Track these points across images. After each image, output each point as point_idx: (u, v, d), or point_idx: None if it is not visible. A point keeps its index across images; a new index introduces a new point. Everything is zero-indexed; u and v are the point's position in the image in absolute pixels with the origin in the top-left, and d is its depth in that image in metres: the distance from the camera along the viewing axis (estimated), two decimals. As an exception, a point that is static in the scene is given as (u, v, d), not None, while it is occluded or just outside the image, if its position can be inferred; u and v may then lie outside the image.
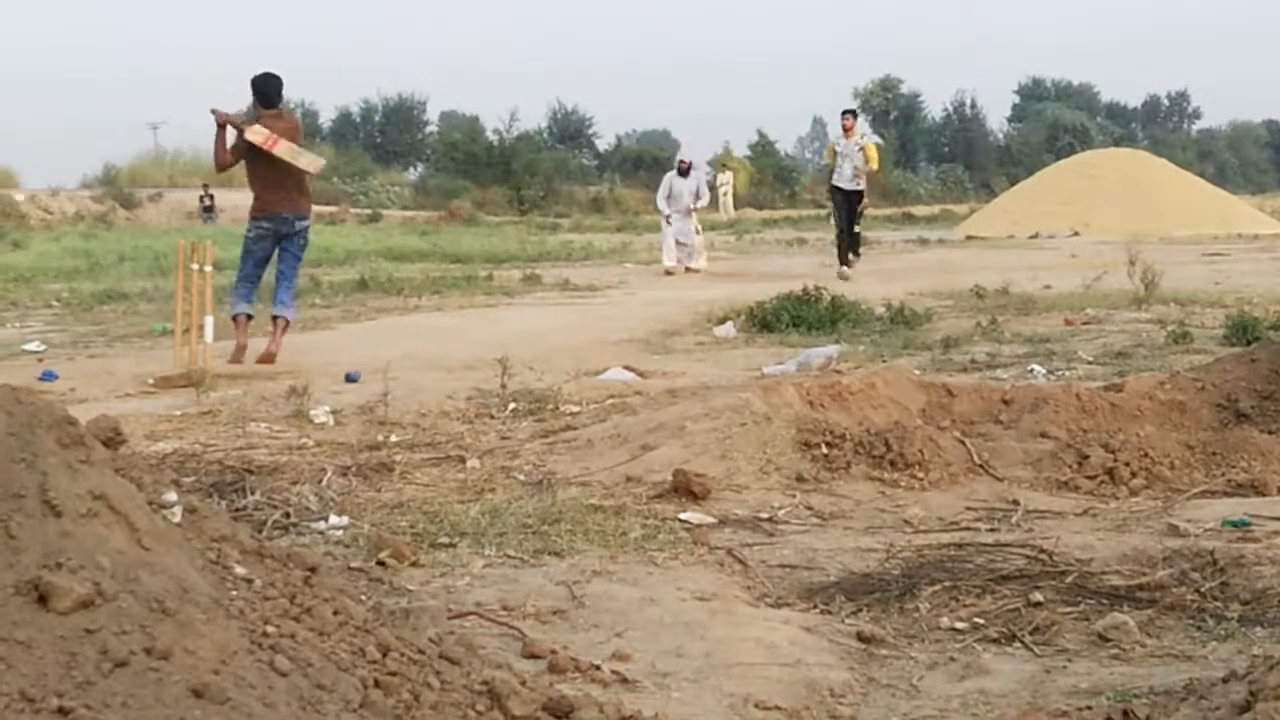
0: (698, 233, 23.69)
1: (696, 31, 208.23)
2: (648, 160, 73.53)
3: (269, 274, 11.54)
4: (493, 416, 8.40)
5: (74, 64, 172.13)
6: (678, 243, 22.94)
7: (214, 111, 11.14)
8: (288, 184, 11.18)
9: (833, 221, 22.61)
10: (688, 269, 22.82)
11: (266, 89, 11.41)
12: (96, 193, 53.07)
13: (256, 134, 10.83)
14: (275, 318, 11.17)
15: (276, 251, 11.29)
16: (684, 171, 23.31)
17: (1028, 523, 5.85)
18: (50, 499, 2.71)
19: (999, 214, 40.76)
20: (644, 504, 6.11)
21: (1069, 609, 4.54)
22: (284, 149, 10.86)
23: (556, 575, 5.02)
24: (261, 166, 11.10)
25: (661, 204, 23.49)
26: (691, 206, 23.04)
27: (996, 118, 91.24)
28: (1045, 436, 7.04)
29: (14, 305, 17.62)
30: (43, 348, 12.45)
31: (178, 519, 3.17)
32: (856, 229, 21.40)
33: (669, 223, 23.20)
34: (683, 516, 5.90)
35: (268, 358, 10.84)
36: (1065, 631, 4.35)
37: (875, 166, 21.93)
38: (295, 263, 11.43)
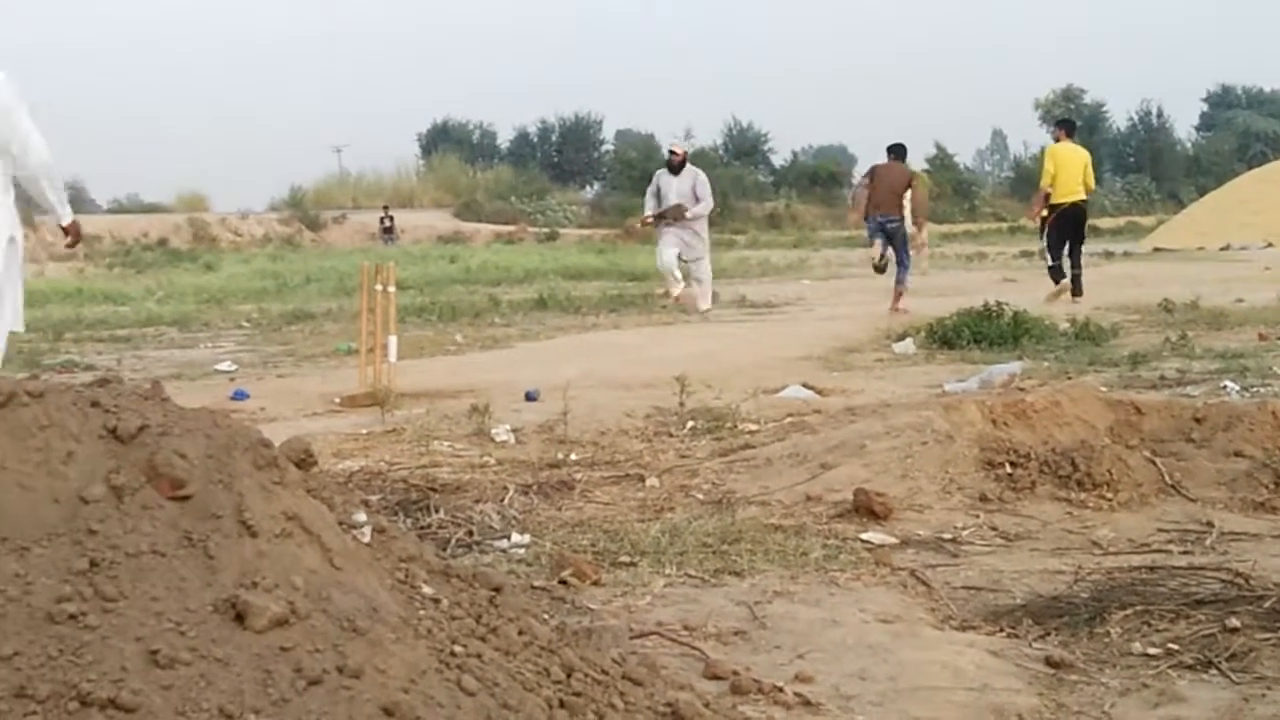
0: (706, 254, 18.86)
1: (872, 44, 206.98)
2: (824, 176, 73.31)
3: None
4: (671, 435, 8.40)
5: (261, 91, 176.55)
6: (680, 258, 18.47)
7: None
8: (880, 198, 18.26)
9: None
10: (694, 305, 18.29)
11: (894, 149, 19.03)
12: (283, 215, 54.44)
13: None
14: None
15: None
16: (675, 167, 18.56)
17: (1222, 545, 5.67)
18: (246, 519, 2.77)
19: (1187, 225, 39.85)
20: (824, 523, 6.07)
21: (1268, 635, 4.39)
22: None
23: (737, 595, 5.01)
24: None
25: (649, 204, 18.86)
26: (688, 211, 18.27)
27: (1184, 127, 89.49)
28: (1240, 455, 6.83)
29: (207, 326, 18.13)
30: (234, 368, 12.78)
31: (367, 539, 3.22)
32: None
33: (660, 231, 18.60)
34: (864, 536, 5.84)
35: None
36: (1264, 659, 4.20)
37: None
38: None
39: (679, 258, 18.44)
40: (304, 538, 2.88)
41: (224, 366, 12.89)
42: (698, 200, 18.36)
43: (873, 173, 18.80)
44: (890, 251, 18.47)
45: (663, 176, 18.63)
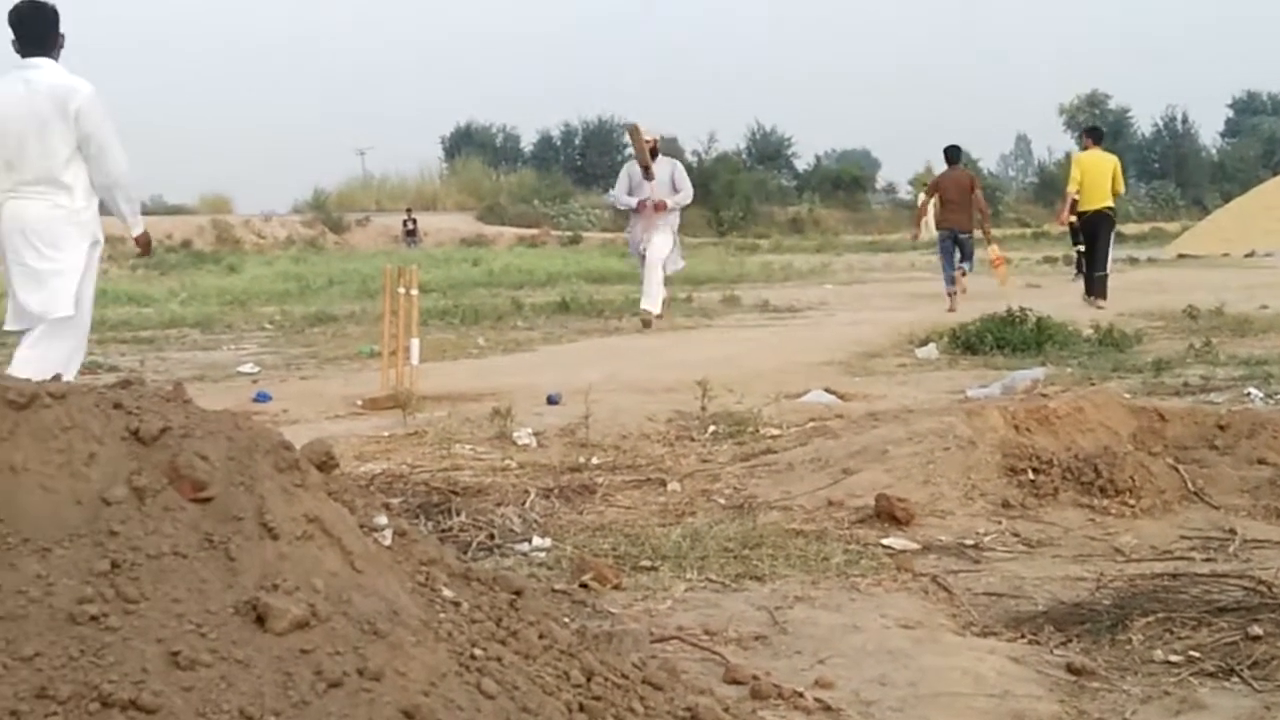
0: (675, 257, 17.28)
1: (896, 49, 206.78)
2: (847, 180, 73.28)
3: None
4: (693, 439, 8.40)
5: (284, 93, 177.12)
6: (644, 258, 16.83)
7: None
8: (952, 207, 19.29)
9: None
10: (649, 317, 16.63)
11: (951, 153, 19.78)
12: (307, 217, 54.51)
13: None
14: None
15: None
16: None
17: (1245, 553, 5.65)
18: (267, 522, 2.78)
19: (1212, 232, 39.65)
20: (846, 529, 6.06)
21: (1290, 643, 4.38)
22: None
23: (758, 600, 5.00)
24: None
25: (623, 198, 17.35)
26: (670, 201, 16.80)
27: (1209, 133, 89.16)
28: (1263, 463, 6.80)
29: (230, 328, 18.16)
30: (257, 369, 12.81)
31: (388, 542, 3.22)
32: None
33: (632, 224, 17.44)
34: (885, 542, 5.83)
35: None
36: (1286, 666, 4.20)
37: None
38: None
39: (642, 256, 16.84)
40: (325, 540, 2.89)
41: (246, 368, 12.92)
42: (676, 190, 16.93)
43: (938, 184, 19.88)
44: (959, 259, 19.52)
45: (634, 167, 17.32)
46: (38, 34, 8.04)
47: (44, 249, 8.00)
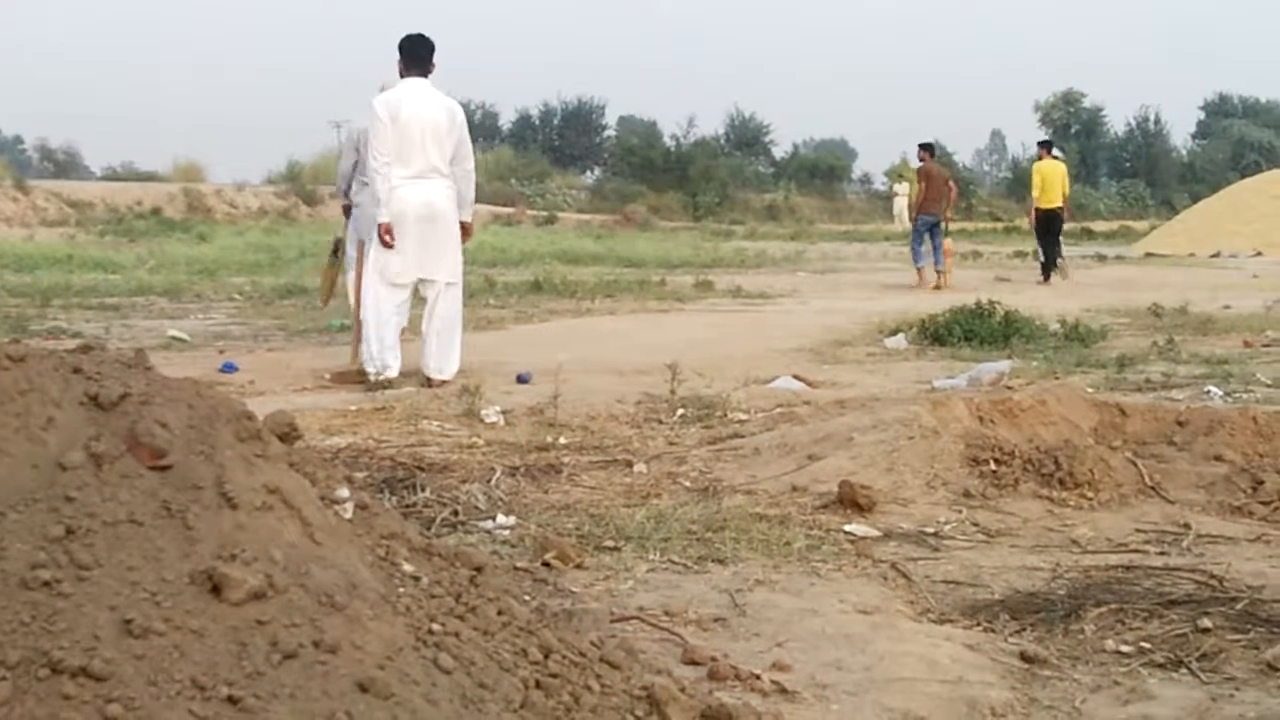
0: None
1: (875, 42, 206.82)
2: (823, 169, 73.37)
3: None
4: (661, 422, 8.41)
5: (261, 63, 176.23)
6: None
7: None
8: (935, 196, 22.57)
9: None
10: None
11: (928, 147, 23.78)
12: (280, 189, 53.96)
13: None
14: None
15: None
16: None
17: (1198, 547, 5.69)
18: (227, 491, 2.77)
19: (1180, 232, 39.85)
20: (809, 514, 6.08)
21: (1238, 636, 4.41)
22: None
23: (719, 583, 5.02)
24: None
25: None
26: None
27: (1181, 134, 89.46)
28: (1219, 460, 6.85)
29: (198, 297, 18.07)
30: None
31: (349, 515, 3.22)
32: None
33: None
34: (847, 528, 5.85)
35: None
36: (1233, 659, 4.22)
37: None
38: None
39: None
40: (285, 511, 2.88)
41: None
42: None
43: (927, 174, 23.20)
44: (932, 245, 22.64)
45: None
46: (422, 58, 10.01)
47: (438, 223, 9.96)
